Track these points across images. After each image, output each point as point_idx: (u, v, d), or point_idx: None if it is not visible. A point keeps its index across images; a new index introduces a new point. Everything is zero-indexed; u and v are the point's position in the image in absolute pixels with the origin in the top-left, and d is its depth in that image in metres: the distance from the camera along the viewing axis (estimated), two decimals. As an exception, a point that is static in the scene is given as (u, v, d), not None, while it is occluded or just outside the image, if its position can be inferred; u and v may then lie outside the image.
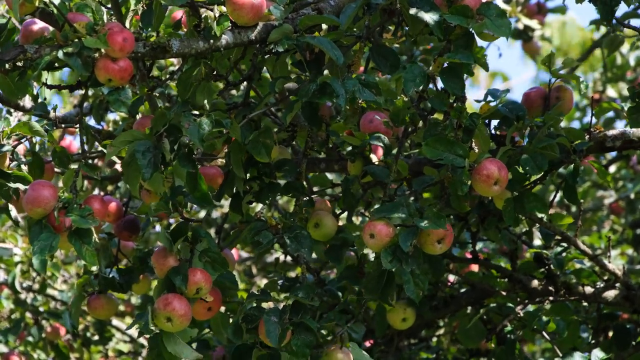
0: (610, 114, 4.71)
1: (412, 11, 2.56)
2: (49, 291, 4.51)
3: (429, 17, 2.54)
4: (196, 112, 2.61)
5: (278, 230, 2.70)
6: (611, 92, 5.12)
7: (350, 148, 2.89)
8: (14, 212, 2.80)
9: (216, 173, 2.86)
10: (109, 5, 2.68)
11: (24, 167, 2.70)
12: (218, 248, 2.73)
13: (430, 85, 2.70)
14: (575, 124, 5.40)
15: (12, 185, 2.63)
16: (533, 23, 4.71)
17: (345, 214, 3.04)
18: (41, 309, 4.48)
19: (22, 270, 4.34)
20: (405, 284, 2.53)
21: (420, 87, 2.61)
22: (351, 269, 2.95)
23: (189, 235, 2.65)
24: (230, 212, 2.89)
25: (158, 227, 4.42)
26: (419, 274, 2.54)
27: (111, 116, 4.10)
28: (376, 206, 3.61)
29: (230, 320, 2.86)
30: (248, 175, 2.79)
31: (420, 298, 2.56)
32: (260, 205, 3.46)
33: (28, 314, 4.48)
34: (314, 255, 3.14)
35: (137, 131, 2.59)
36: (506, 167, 2.58)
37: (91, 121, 3.81)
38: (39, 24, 2.56)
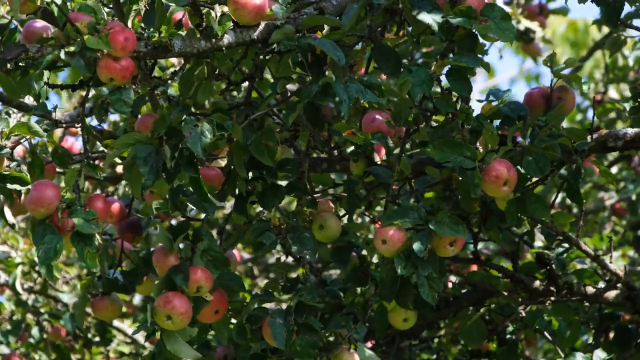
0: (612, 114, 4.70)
1: (414, 12, 2.55)
2: (50, 292, 4.50)
3: (431, 19, 2.53)
4: (197, 116, 2.59)
5: (281, 231, 2.69)
6: (613, 93, 5.11)
7: (352, 148, 2.88)
8: (9, 214, 2.78)
9: (216, 175, 2.84)
10: (111, 6, 2.68)
11: (24, 168, 2.69)
12: (220, 248, 2.72)
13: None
14: (577, 127, 5.38)
15: (10, 186, 2.60)
16: (534, 25, 4.70)
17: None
18: (42, 310, 4.48)
19: (23, 271, 4.33)
20: (420, 287, 2.52)
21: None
22: (356, 271, 2.95)
23: (189, 234, 2.65)
24: (234, 214, 2.89)
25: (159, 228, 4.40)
26: (436, 277, 2.53)
27: (112, 117, 4.09)
28: (378, 208, 3.62)
29: (232, 320, 2.85)
30: (250, 175, 2.79)
31: (437, 301, 2.56)
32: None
33: (29, 315, 4.47)
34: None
35: (139, 134, 2.57)
36: (513, 167, 2.56)
37: (93, 121, 3.81)
38: (40, 24, 2.55)
